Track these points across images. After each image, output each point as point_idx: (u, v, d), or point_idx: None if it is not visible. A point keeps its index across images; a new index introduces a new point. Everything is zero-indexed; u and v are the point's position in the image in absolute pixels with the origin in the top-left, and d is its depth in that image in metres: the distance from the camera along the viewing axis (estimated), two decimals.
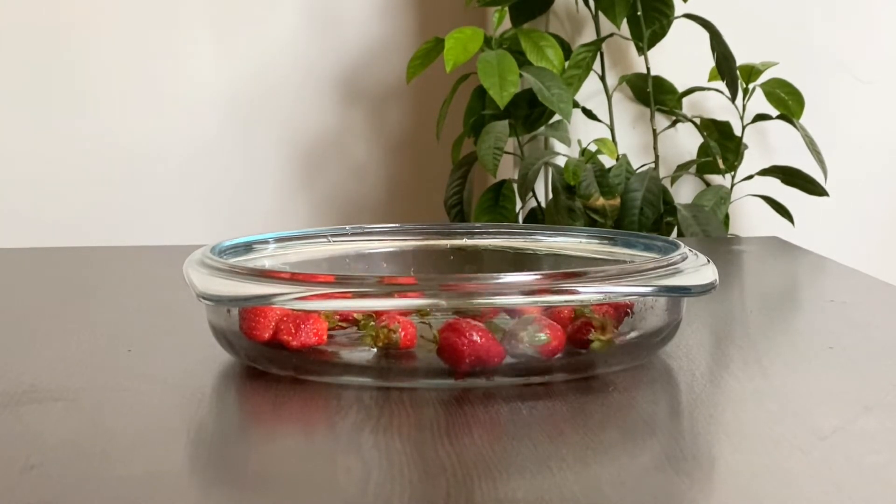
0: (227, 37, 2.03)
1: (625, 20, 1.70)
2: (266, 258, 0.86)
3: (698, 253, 0.78)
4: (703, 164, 1.76)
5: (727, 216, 1.69)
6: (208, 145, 2.04)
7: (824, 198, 1.70)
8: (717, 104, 1.78)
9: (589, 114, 1.75)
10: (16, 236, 1.99)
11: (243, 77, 2.04)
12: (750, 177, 1.74)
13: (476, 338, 0.70)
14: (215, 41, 2.03)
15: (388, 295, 0.70)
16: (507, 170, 1.83)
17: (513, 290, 0.70)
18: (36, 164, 2.03)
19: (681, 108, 1.76)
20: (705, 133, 1.71)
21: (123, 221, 2.03)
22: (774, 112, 1.73)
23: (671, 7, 1.70)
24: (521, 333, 0.71)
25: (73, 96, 2.02)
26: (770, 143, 1.81)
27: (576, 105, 1.71)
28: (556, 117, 1.71)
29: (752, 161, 1.75)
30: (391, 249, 0.88)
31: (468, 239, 0.91)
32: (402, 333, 0.72)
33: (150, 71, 2.03)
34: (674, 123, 1.77)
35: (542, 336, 0.71)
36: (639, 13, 1.69)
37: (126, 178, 2.03)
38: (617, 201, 1.63)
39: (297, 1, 2.03)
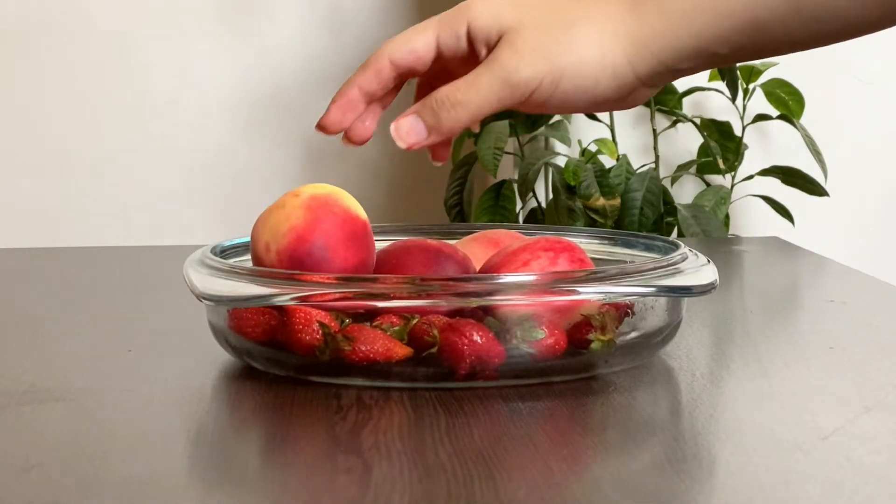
0: (232, 40, 2.03)
1: None
2: None
3: (698, 253, 0.78)
4: (704, 165, 1.76)
5: (727, 216, 1.69)
6: (212, 147, 2.04)
7: (824, 198, 1.70)
8: (717, 104, 1.78)
9: (589, 114, 1.75)
10: (18, 236, 1.99)
11: (246, 79, 2.04)
12: (750, 177, 1.74)
13: (476, 338, 0.70)
14: (220, 45, 2.03)
15: (388, 295, 0.70)
16: (507, 170, 1.83)
17: (513, 290, 0.70)
18: (40, 165, 2.04)
19: (681, 108, 1.76)
20: (705, 133, 1.71)
21: (129, 223, 2.03)
22: (774, 112, 1.73)
23: None
24: (518, 331, 0.71)
25: (77, 97, 2.02)
26: (770, 144, 1.81)
27: None
28: (557, 117, 1.71)
29: (752, 161, 1.75)
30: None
31: None
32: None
33: (155, 73, 2.03)
34: (674, 123, 1.77)
35: (539, 332, 0.71)
36: None
37: (131, 179, 2.03)
38: (617, 201, 1.62)
39: (299, 3, 2.03)
